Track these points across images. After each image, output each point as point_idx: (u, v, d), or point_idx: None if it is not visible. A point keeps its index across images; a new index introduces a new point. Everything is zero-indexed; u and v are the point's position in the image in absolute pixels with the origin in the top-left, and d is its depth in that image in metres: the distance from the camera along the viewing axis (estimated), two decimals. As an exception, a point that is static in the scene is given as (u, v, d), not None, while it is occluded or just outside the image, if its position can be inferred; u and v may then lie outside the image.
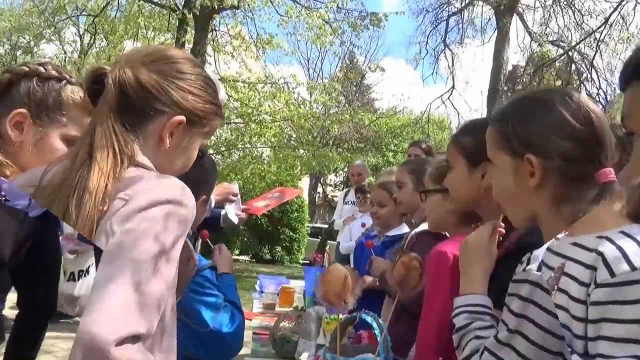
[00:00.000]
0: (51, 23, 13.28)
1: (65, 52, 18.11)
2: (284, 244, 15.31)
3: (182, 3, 10.73)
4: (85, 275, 2.43)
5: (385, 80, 39.67)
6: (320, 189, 28.10)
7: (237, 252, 16.70)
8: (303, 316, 2.21)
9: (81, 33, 17.57)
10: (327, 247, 3.51)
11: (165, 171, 0.96)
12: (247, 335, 2.62)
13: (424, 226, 2.12)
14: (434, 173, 1.79)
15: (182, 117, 0.97)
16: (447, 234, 1.87)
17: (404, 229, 2.59)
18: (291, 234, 15.36)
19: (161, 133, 0.96)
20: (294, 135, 13.31)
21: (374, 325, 1.68)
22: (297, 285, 3.77)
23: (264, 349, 2.31)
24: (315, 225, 17.23)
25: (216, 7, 9.96)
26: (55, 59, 18.18)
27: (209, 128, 1.04)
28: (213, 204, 2.26)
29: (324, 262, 3.16)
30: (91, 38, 16.67)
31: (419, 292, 2.09)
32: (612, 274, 0.80)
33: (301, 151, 12.66)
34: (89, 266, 2.43)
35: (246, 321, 3.06)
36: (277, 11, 10.85)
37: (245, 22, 11.21)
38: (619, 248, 0.83)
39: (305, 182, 24.56)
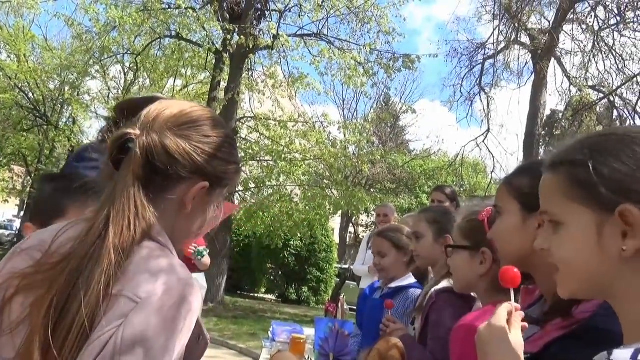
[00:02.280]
0: (97, 61, 13.89)
1: (109, 89, 18.90)
2: (310, 285, 15.02)
3: (220, 43, 11.05)
4: None
5: (420, 122, 39.63)
6: (351, 229, 27.83)
7: (263, 290, 16.49)
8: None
9: (125, 71, 18.36)
10: (341, 296, 3.28)
11: (184, 233, 0.97)
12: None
13: (444, 283, 1.91)
14: (464, 227, 1.55)
15: (206, 183, 0.95)
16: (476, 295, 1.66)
17: (410, 279, 2.37)
18: (318, 274, 15.07)
19: (184, 199, 0.94)
20: (325, 174, 13.26)
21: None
22: (312, 334, 3.54)
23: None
24: (344, 266, 16.88)
25: (251, 46, 10.18)
26: (100, 94, 19.01)
27: (230, 187, 1.03)
28: None
29: (337, 314, 2.94)
30: (134, 75, 17.40)
31: None
32: None
33: (331, 191, 12.57)
34: None
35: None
36: (309, 51, 11.01)
37: (279, 62, 11.41)
38: None
39: (336, 222, 24.38)
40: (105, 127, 1.01)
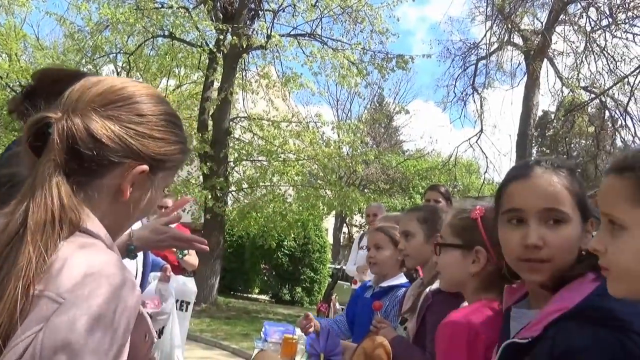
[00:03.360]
0: (89, 60, 13.80)
1: (101, 88, 18.76)
2: (304, 285, 15.01)
3: (213, 42, 11.03)
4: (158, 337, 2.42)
5: (413, 123, 39.67)
6: (345, 230, 27.82)
7: (257, 291, 16.46)
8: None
9: (118, 71, 18.27)
10: (333, 296, 3.27)
11: (123, 221, 0.89)
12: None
13: (437, 283, 1.90)
14: (456, 224, 1.50)
15: (144, 167, 0.85)
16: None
17: (401, 279, 2.36)
18: (312, 274, 15.07)
19: (120, 185, 0.84)
20: (319, 175, 13.26)
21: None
22: (304, 334, 3.52)
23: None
24: (337, 266, 16.89)
25: (244, 46, 10.15)
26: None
27: (174, 168, 0.93)
28: None
29: (329, 314, 2.93)
30: (127, 75, 17.31)
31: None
32: None
33: (325, 191, 12.56)
34: (162, 328, 2.42)
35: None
36: (303, 51, 11.01)
37: (272, 62, 11.40)
38: None
39: (330, 223, 24.36)
40: (19, 98, 0.89)
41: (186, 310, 2.82)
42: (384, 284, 2.36)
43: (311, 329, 2.63)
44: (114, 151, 0.82)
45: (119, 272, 0.76)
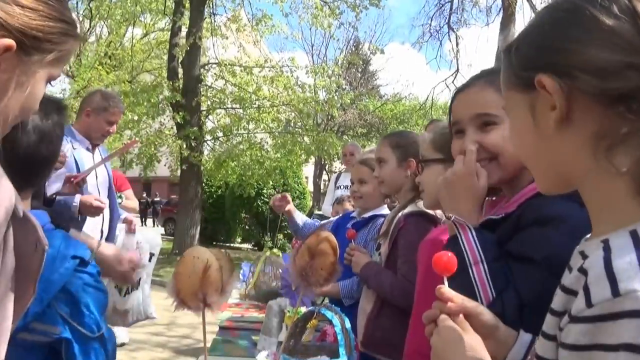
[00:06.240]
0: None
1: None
2: (285, 232, 15.16)
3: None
4: (133, 290, 2.48)
5: (390, 66, 39.22)
6: (325, 177, 27.98)
7: (239, 240, 16.59)
8: (266, 310, 1.98)
9: (80, 19, 17.36)
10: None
11: None
12: (213, 328, 2.42)
13: (411, 207, 1.88)
14: (438, 139, 1.49)
15: (9, 41, 0.67)
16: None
17: (383, 210, 2.34)
18: (293, 221, 15.23)
19: None
20: (296, 121, 13.08)
21: (335, 322, 1.45)
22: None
23: (227, 344, 2.08)
24: (320, 212, 17.08)
25: (211, -13, 9.70)
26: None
27: (56, 54, 0.75)
28: None
29: (303, 249, 2.93)
30: (89, 24, 16.47)
31: (374, 269, 1.87)
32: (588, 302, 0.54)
33: (302, 138, 12.44)
34: (139, 280, 2.49)
35: (215, 314, 2.87)
36: (273, -10, 10.57)
37: (242, 3, 10.94)
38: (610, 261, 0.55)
39: (310, 170, 24.41)
40: None
41: (150, 261, 2.88)
42: (366, 215, 2.35)
43: (287, 207, 2.83)
44: None
45: None
